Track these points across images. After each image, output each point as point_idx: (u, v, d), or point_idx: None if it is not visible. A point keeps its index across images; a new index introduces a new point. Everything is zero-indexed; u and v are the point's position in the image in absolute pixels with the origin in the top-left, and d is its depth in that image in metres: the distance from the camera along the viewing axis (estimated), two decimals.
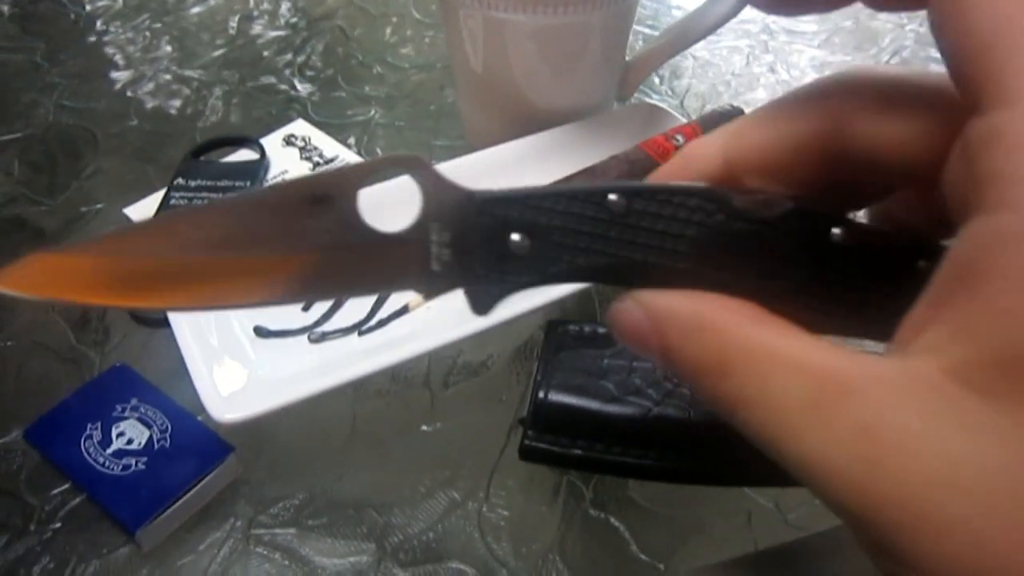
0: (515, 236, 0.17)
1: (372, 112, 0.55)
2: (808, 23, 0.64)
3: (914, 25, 0.64)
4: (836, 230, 0.17)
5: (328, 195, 0.17)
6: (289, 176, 0.49)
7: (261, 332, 0.37)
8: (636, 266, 0.17)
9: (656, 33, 0.62)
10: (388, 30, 0.64)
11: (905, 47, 0.62)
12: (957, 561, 0.12)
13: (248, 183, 0.48)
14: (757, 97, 0.56)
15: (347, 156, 0.51)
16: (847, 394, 0.14)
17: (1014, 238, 0.13)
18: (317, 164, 0.50)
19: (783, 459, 0.14)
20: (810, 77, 0.58)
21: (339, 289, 0.18)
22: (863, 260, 0.18)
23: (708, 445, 0.32)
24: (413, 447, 0.36)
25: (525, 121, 0.48)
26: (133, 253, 0.17)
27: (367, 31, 0.64)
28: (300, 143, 0.52)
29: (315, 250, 0.17)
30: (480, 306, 0.18)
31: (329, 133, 0.53)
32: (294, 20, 0.66)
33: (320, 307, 0.39)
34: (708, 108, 0.46)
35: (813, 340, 0.15)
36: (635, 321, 0.17)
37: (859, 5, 0.17)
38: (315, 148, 0.51)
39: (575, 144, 0.46)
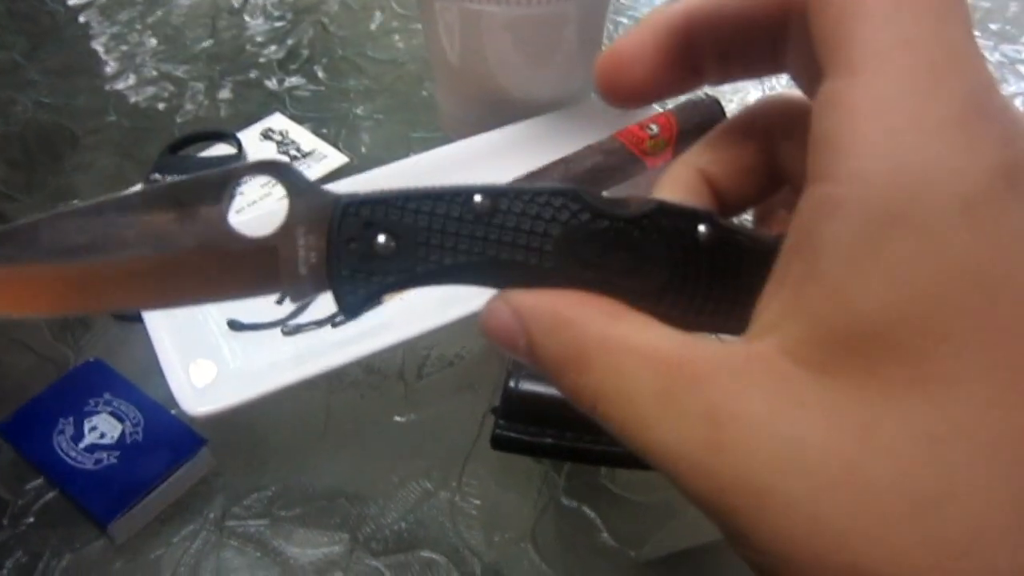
0: (380, 238, 0.17)
1: (352, 105, 0.55)
2: None
3: None
4: (702, 228, 0.17)
5: (193, 200, 0.17)
6: None
7: (235, 325, 0.37)
8: (503, 266, 0.17)
9: (634, 23, 0.62)
10: (370, 24, 0.64)
11: None
12: (799, 541, 0.12)
13: None
14: (734, 85, 0.56)
15: (324, 149, 0.51)
16: (695, 381, 0.14)
17: (838, 208, 0.13)
18: (294, 158, 0.50)
19: (638, 449, 0.15)
20: None
21: (208, 293, 0.18)
22: (729, 258, 0.18)
23: None
24: (387, 438, 0.36)
25: (502, 112, 0.48)
26: None
27: (349, 25, 0.64)
28: (278, 137, 0.52)
29: (181, 254, 0.17)
30: (348, 308, 0.18)
31: (309, 126, 0.53)
32: (277, 14, 0.65)
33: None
34: (683, 97, 0.46)
35: (668, 331, 0.15)
36: (503, 320, 0.17)
37: None
38: (292, 142, 0.51)
39: (551, 134, 0.46)
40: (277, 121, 0.53)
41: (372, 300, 0.18)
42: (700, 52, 0.19)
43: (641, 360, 0.15)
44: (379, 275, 0.18)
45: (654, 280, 0.17)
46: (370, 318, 0.38)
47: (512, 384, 0.33)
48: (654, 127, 0.43)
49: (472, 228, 0.17)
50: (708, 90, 0.47)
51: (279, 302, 0.39)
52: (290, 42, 0.62)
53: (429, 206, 0.17)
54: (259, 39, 0.63)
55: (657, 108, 0.46)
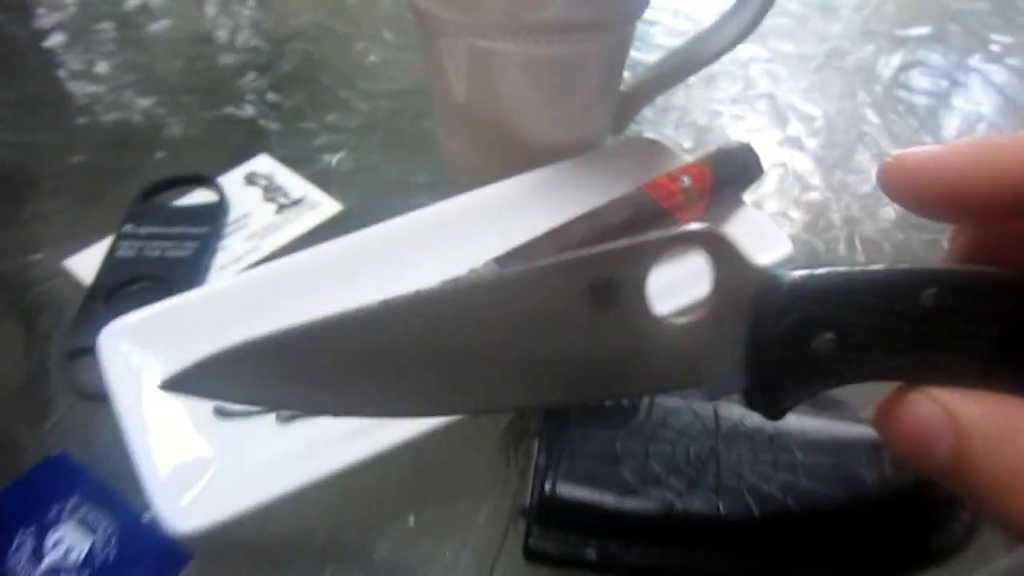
0: (823, 335, 0.15)
1: (344, 145, 0.51)
2: (805, 46, 0.61)
3: (901, 54, 0.61)
4: None
5: (613, 281, 0.14)
6: (253, 220, 0.45)
7: (222, 412, 0.33)
8: (934, 367, 0.16)
9: (645, 54, 0.58)
10: (358, 53, 0.60)
11: (913, 64, 0.59)
12: None
13: (207, 229, 0.43)
14: (752, 126, 0.53)
15: (315, 196, 0.46)
16: None
17: None
18: (282, 206, 0.46)
19: None
20: (805, 104, 0.55)
21: (609, 391, 0.15)
22: None
23: (741, 543, 0.28)
24: (400, 545, 0.32)
25: (513, 156, 0.44)
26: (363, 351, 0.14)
27: (335, 54, 0.60)
28: (263, 182, 0.47)
29: (597, 350, 0.14)
30: (772, 412, 0.16)
31: (295, 168, 0.48)
32: (255, 43, 0.61)
33: None
34: (715, 145, 0.42)
35: None
36: (928, 421, 0.16)
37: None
38: (279, 187, 0.47)
39: (570, 183, 0.42)
40: (262, 163, 0.48)
41: (796, 405, 0.16)
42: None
43: None
44: (812, 378, 0.16)
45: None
46: None
47: (547, 487, 0.29)
48: (686, 179, 0.39)
49: (915, 325, 0.16)
50: (728, 129, 0.43)
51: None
52: (273, 74, 0.57)
53: (876, 299, 0.15)
54: (239, 70, 0.58)
55: (687, 157, 0.42)
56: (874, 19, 0.65)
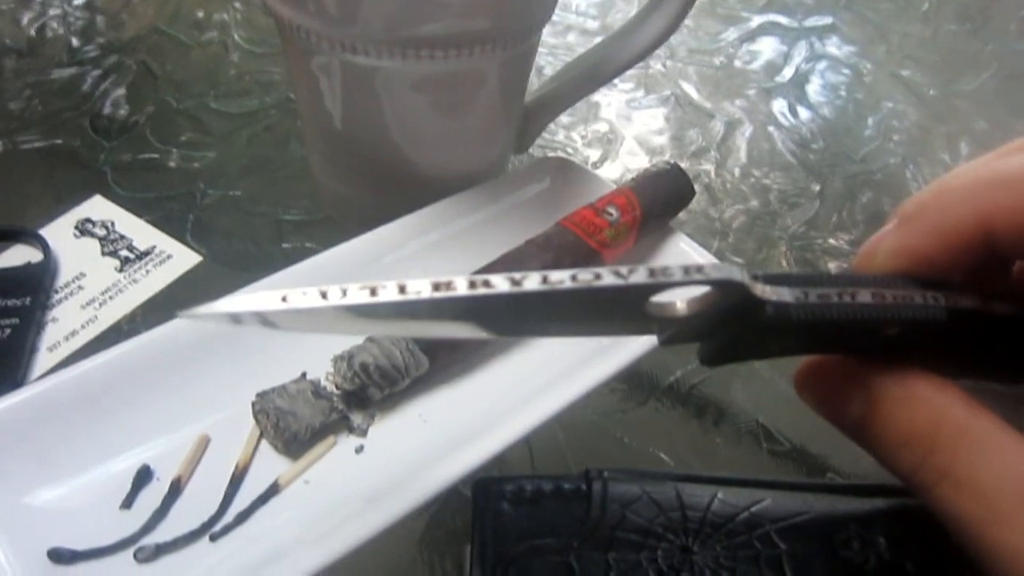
0: (788, 341, 0.17)
1: (198, 179, 0.43)
2: (708, 48, 0.57)
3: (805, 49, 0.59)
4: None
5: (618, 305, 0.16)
6: (89, 282, 0.36)
7: (61, 556, 0.25)
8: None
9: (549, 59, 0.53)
10: (208, 63, 0.52)
11: (811, 64, 0.56)
12: None
13: (28, 298, 0.34)
14: (659, 139, 0.48)
15: (167, 245, 0.38)
16: None
17: None
18: (127, 261, 0.37)
19: (982, 545, 0.15)
20: (710, 103, 0.51)
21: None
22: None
23: None
24: None
25: (402, 190, 0.37)
26: None
27: (181, 67, 0.51)
28: (100, 231, 0.39)
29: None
30: (711, 362, 0.18)
31: (139, 211, 0.40)
32: (86, 53, 0.51)
33: (146, 505, 0.27)
34: (640, 168, 0.37)
35: None
36: (844, 385, 0.18)
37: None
38: (122, 237, 0.39)
39: (472, 220, 0.36)
40: (98, 207, 0.40)
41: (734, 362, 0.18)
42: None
43: (1004, 455, 0.15)
44: (764, 354, 0.18)
45: (965, 363, 0.18)
46: (265, 519, 0.27)
47: None
48: (613, 211, 0.33)
49: (873, 349, 0.17)
50: (640, 137, 0.38)
51: (126, 505, 0.27)
52: (103, 92, 0.49)
53: (844, 331, 0.17)
54: (60, 88, 0.49)
55: (604, 180, 0.37)
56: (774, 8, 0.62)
